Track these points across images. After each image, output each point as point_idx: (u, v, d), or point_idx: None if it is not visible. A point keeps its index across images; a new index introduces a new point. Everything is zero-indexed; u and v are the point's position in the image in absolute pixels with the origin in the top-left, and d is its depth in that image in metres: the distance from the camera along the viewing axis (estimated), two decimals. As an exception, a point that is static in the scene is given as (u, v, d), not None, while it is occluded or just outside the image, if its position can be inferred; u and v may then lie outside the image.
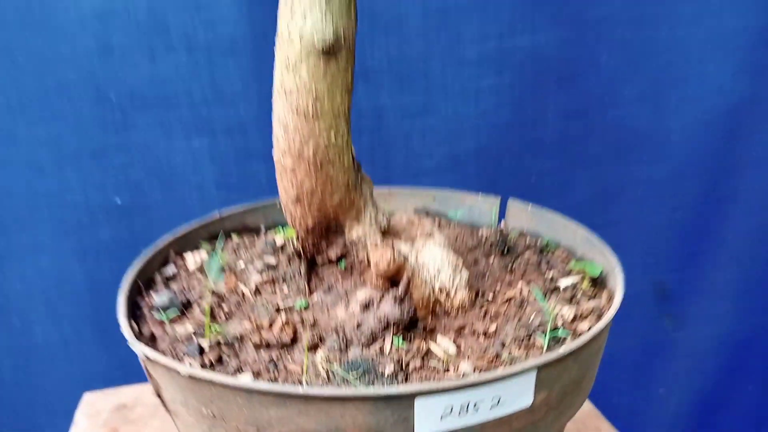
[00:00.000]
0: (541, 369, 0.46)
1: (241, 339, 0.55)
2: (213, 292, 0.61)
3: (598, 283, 0.64)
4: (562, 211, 1.28)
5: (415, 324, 0.54)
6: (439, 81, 1.14)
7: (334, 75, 0.53)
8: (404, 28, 1.10)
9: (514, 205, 0.80)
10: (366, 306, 0.54)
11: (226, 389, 0.45)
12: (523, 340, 0.53)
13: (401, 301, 0.53)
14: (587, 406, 0.95)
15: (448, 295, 0.58)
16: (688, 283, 1.38)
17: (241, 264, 0.68)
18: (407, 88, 1.14)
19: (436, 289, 0.57)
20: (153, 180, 1.12)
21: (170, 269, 0.67)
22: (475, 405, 0.45)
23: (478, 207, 0.82)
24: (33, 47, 1.02)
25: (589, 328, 0.52)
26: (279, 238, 0.71)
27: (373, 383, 0.48)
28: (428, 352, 0.52)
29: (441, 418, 0.44)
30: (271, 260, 0.67)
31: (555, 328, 0.54)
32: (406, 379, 0.49)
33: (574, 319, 0.57)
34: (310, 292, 0.60)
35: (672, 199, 1.31)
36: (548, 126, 1.21)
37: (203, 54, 1.05)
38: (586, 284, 0.63)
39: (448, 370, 0.50)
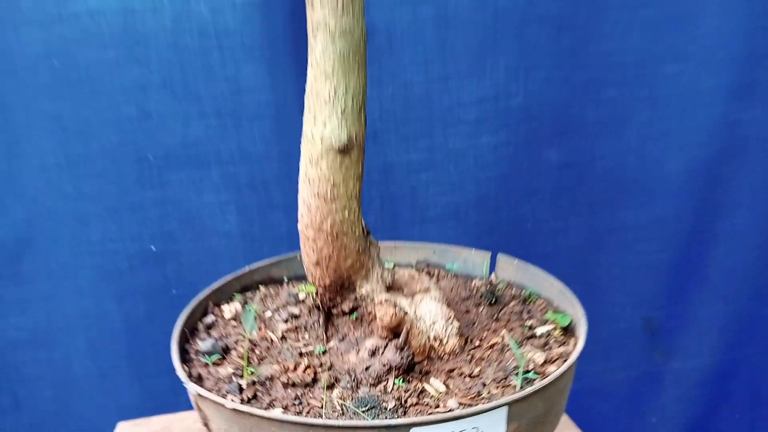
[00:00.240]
0: (511, 405, 0.59)
1: (271, 379, 0.69)
2: (249, 340, 0.75)
3: (569, 330, 0.77)
4: (556, 253, 1.42)
5: (413, 368, 0.68)
6: (441, 139, 1.27)
7: (347, 167, 0.67)
8: (409, 93, 1.23)
9: (503, 259, 0.94)
10: (373, 353, 0.68)
11: (262, 420, 0.59)
12: (501, 381, 0.67)
13: (401, 349, 0.67)
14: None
15: (441, 342, 0.72)
16: (675, 318, 1.49)
17: (269, 313, 0.82)
18: (412, 146, 1.27)
19: (431, 338, 0.71)
20: (185, 230, 1.25)
21: (210, 318, 0.81)
22: (458, 434, 0.58)
23: (472, 260, 0.95)
24: (81, 114, 1.16)
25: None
26: (301, 292, 0.85)
27: (378, 416, 0.61)
28: (423, 390, 0.66)
29: (431, 443, 0.58)
30: (294, 310, 0.81)
31: (527, 371, 0.68)
32: (405, 413, 0.62)
33: (545, 362, 0.70)
34: (327, 340, 0.74)
35: (658, 241, 1.42)
36: (542, 177, 1.33)
37: (231, 119, 1.19)
38: (558, 332, 0.76)
39: (438, 406, 0.63)
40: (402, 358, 0.67)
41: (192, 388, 0.64)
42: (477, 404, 0.63)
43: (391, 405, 0.63)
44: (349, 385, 0.66)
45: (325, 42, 0.63)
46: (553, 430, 0.71)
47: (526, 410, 0.61)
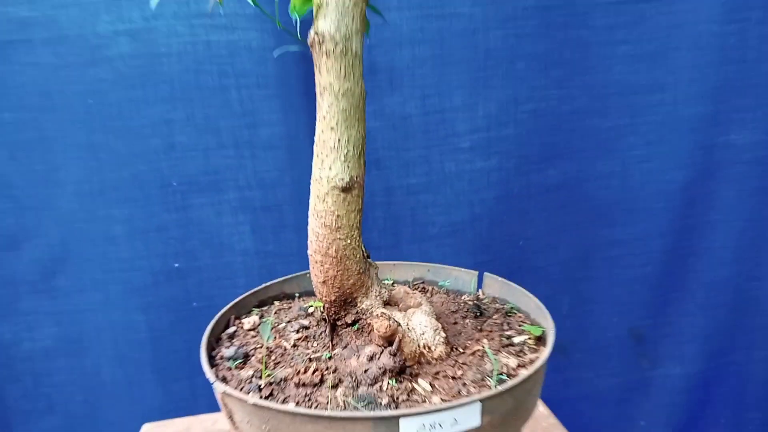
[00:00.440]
0: (484, 401, 0.73)
1: (285, 380, 0.83)
2: (266, 348, 0.89)
3: (542, 340, 0.91)
4: (547, 268, 1.56)
5: (404, 371, 0.82)
6: (438, 165, 1.41)
7: (349, 203, 0.82)
8: (408, 124, 1.37)
9: (489, 277, 1.07)
10: (371, 358, 0.82)
11: (278, 413, 0.73)
12: (479, 382, 0.81)
13: (394, 355, 0.81)
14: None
15: (429, 349, 0.85)
16: (660, 328, 1.62)
17: (282, 324, 0.96)
18: (412, 171, 1.42)
19: (421, 346, 0.85)
20: (205, 248, 1.40)
21: (232, 329, 0.96)
22: (440, 424, 0.72)
23: (462, 277, 1.09)
24: (113, 146, 1.31)
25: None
26: (310, 307, 1.00)
27: (374, 409, 0.75)
28: (412, 389, 0.79)
29: (417, 431, 0.71)
30: (305, 322, 0.95)
31: (501, 374, 0.82)
32: (396, 407, 0.76)
33: (518, 367, 0.84)
34: (333, 347, 0.88)
35: (641, 256, 1.55)
36: (531, 199, 1.47)
37: (247, 149, 1.34)
38: (532, 341, 0.90)
39: (424, 402, 0.77)
40: (395, 362, 0.80)
41: (219, 387, 0.78)
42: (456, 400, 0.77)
43: (385, 401, 0.76)
44: (350, 385, 0.80)
45: (330, 101, 0.77)
46: (524, 423, 0.84)
47: (498, 406, 0.75)
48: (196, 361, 1.40)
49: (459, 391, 0.79)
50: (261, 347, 0.90)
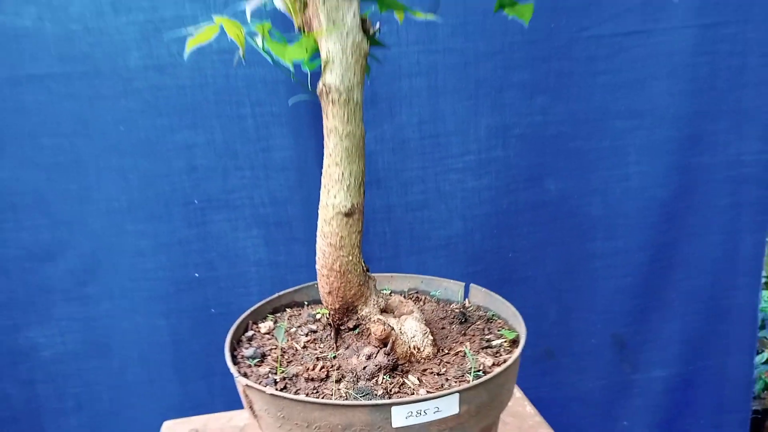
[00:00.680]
0: (461, 393, 0.90)
1: (296, 376, 1.00)
2: (281, 348, 1.07)
3: (516, 343, 1.08)
4: (534, 279, 1.71)
5: (396, 368, 0.99)
6: (433, 185, 1.57)
7: (351, 225, 0.99)
8: (407, 147, 1.53)
9: (474, 288, 1.24)
10: (369, 357, 0.99)
11: (292, 402, 0.90)
12: (459, 377, 0.97)
13: (388, 354, 0.98)
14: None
15: (419, 350, 1.02)
16: (641, 334, 1.77)
17: (294, 329, 1.13)
18: (409, 190, 1.57)
19: (412, 347, 1.02)
20: (222, 260, 1.56)
21: (250, 333, 1.13)
22: (424, 411, 0.89)
23: (451, 288, 1.26)
24: (140, 168, 1.47)
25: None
26: (318, 314, 1.17)
27: (370, 399, 0.92)
28: (403, 383, 0.96)
29: (406, 417, 0.88)
30: (313, 327, 1.12)
31: (479, 371, 0.98)
32: (389, 398, 0.93)
33: (493, 365, 1.01)
34: (337, 348, 1.05)
35: (623, 268, 1.70)
36: (520, 215, 1.62)
37: (262, 171, 1.50)
38: (507, 344, 1.07)
39: (413, 393, 0.94)
40: (389, 361, 0.97)
41: (242, 380, 0.95)
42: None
43: (379, 392, 0.93)
44: (351, 380, 0.97)
45: (335, 141, 0.94)
46: (499, 414, 1.01)
47: (473, 397, 0.92)
48: (213, 362, 1.59)
49: (442, 385, 0.96)
50: (276, 348, 1.07)
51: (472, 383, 0.91)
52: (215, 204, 1.52)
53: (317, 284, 1.05)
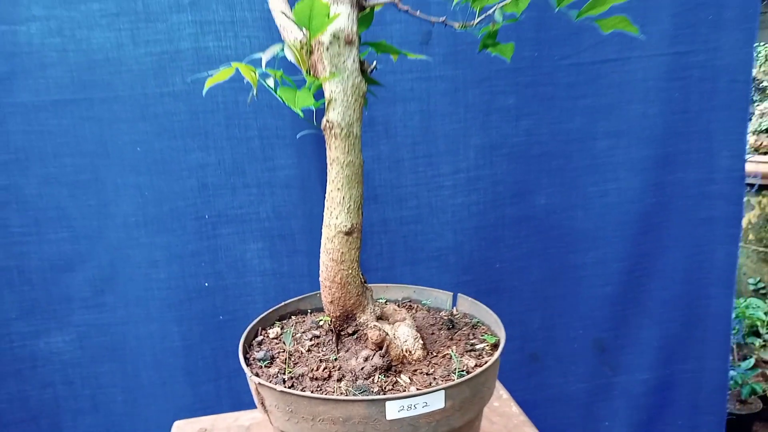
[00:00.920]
0: (447, 390, 1.05)
1: (302, 375, 1.15)
2: (288, 351, 1.22)
3: (496, 346, 1.23)
4: (520, 287, 1.86)
5: (390, 368, 1.14)
6: (426, 200, 1.71)
7: (351, 242, 1.14)
8: (401, 166, 1.67)
9: (462, 297, 1.39)
10: (366, 359, 1.14)
11: (299, 397, 1.05)
12: (445, 376, 1.13)
13: (383, 356, 1.13)
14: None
15: (410, 353, 1.18)
16: (620, 339, 1.90)
17: (299, 334, 1.28)
18: (404, 205, 1.71)
19: (404, 350, 1.17)
20: (230, 270, 1.69)
21: (260, 338, 1.28)
22: (414, 406, 1.04)
23: (440, 297, 1.41)
24: (155, 186, 1.60)
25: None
26: (321, 320, 1.32)
27: (367, 396, 1.07)
28: (396, 382, 1.11)
29: (398, 411, 1.03)
30: (316, 332, 1.28)
31: (462, 371, 1.13)
32: (384, 394, 1.08)
33: (475, 366, 1.16)
34: (338, 351, 1.20)
35: (603, 277, 1.84)
36: (506, 228, 1.77)
37: (267, 188, 1.63)
38: (489, 348, 1.22)
39: (404, 390, 1.09)
40: (384, 362, 1.13)
41: (254, 379, 1.11)
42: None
43: (375, 390, 1.08)
44: (351, 379, 1.12)
45: (337, 170, 1.10)
46: (481, 408, 1.16)
47: (457, 393, 1.07)
48: (221, 366, 1.73)
49: (430, 383, 1.11)
50: (283, 351, 1.22)
51: (456, 381, 1.06)
52: (224, 218, 1.66)
53: (320, 294, 1.20)
